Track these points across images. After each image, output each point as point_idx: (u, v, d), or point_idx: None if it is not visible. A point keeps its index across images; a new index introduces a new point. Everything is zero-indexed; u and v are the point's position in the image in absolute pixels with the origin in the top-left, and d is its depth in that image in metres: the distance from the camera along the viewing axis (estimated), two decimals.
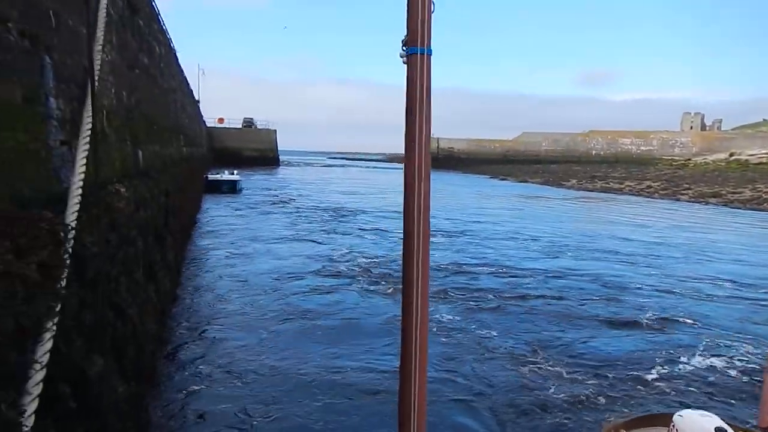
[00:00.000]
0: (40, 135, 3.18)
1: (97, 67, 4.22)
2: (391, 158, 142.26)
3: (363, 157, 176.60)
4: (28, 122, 3.00)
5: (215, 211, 20.00)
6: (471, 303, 8.87)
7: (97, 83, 4.18)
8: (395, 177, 53.18)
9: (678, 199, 32.07)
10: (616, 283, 10.47)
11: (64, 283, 2.77)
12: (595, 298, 9.41)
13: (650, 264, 12.44)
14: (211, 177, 27.46)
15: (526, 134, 74.35)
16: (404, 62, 2.70)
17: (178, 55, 18.16)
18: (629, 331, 7.78)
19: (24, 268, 2.34)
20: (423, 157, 2.49)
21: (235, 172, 29.52)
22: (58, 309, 2.64)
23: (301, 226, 16.46)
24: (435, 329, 7.41)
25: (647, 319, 8.25)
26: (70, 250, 2.91)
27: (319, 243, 13.77)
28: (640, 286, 10.34)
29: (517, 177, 50.88)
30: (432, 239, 2.59)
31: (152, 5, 10.86)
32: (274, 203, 23.40)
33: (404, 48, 2.70)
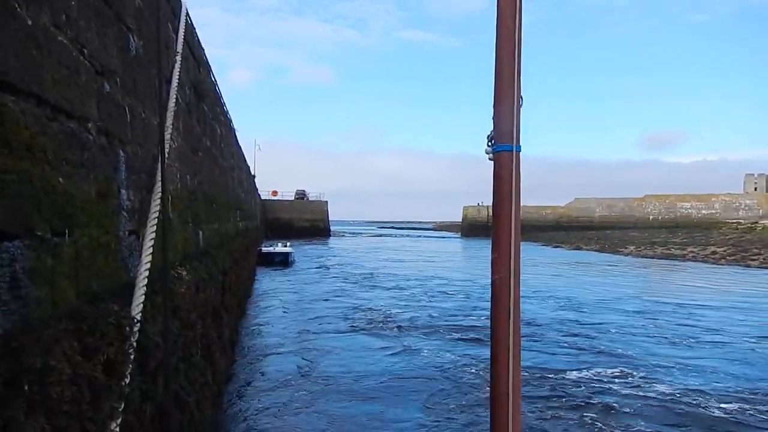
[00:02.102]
0: (111, 228, 3.23)
1: (166, 155, 4.39)
2: (440, 227, 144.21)
3: (412, 225, 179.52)
4: (101, 217, 3.06)
5: (267, 284, 20.40)
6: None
7: (165, 170, 4.32)
8: (442, 245, 53.71)
9: (748, 265, 30.50)
10: None
11: (128, 379, 2.70)
12: None
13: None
14: (264, 249, 28.06)
15: (579, 200, 72.94)
16: (490, 159, 2.65)
17: (237, 133, 19.27)
18: None
19: (92, 369, 2.26)
20: (513, 261, 2.46)
21: (288, 243, 30.09)
22: (121, 408, 2.55)
23: (359, 318, 15.55)
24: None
25: None
26: (134, 343, 2.86)
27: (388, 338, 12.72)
28: None
29: (571, 244, 49.47)
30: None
31: (216, 90, 11.59)
32: (326, 274, 24.59)
33: (491, 144, 2.67)
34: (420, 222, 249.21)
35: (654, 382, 8.61)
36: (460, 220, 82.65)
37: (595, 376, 8.85)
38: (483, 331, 12.14)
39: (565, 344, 11.16)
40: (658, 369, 9.40)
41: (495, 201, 2.65)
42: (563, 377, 8.82)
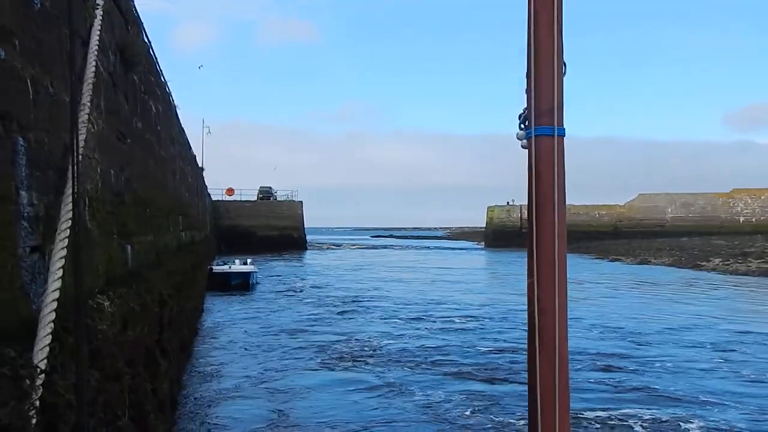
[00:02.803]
0: (7, 243, 3.22)
1: (81, 144, 4.38)
2: (456, 234, 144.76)
3: (419, 233, 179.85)
4: None
5: (222, 314, 20.55)
6: None
7: (80, 164, 4.31)
8: (457, 260, 53.99)
9: None
10: None
11: None
12: None
13: None
14: (217, 269, 28.08)
15: (644, 197, 73.07)
16: (523, 146, 2.64)
17: (179, 111, 19.32)
18: None
19: None
20: (557, 285, 2.48)
21: (249, 260, 30.10)
22: None
23: (339, 352, 15.33)
24: None
25: None
26: (37, 402, 2.84)
27: None
28: None
29: (635, 256, 49.55)
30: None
31: (150, 55, 11.61)
32: (299, 299, 25.12)
33: (524, 126, 2.66)
34: (429, 228, 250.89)
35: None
36: (484, 225, 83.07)
37: (623, 418, 9.60)
38: (502, 371, 12.65)
39: (600, 381, 11.90)
40: (712, 416, 9.85)
41: (531, 202, 2.62)
42: (586, 418, 9.49)
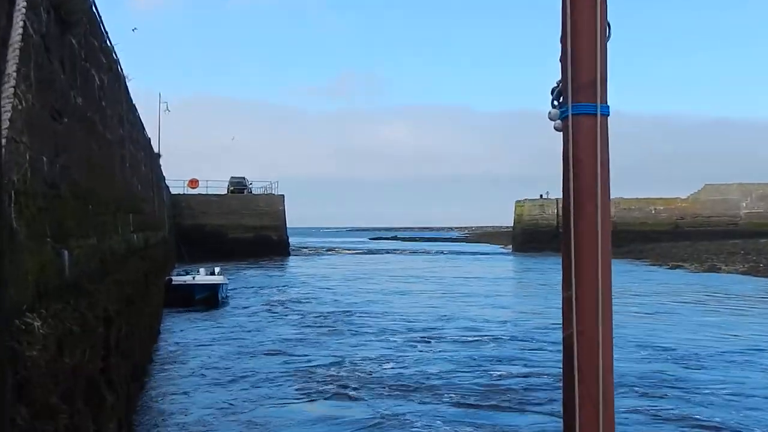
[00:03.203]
0: None
1: (4, 125, 4.38)
2: (476, 235, 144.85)
3: (431, 233, 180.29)
4: None
5: (183, 335, 20.68)
6: None
7: (2, 149, 4.31)
8: (478, 267, 54.29)
9: None
10: None
11: None
12: None
13: None
14: (177, 280, 28.08)
15: (712, 188, 72.91)
16: (557, 128, 2.62)
17: (129, 82, 19.32)
18: None
19: None
20: (601, 299, 2.48)
21: (217, 269, 30.15)
22: None
23: (324, 378, 15.98)
24: None
25: None
26: None
27: None
28: None
29: (701, 262, 49.48)
30: None
31: (94, 13, 11.62)
32: (280, 315, 25.32)
33: (557, 103, 2.64)
34: (443, 229, 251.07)
35: None
36: (511, 223, 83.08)
37: None
38: (520, 402, 12.89)
39: (636, 408, 12.26)
40: None
41: (567, 198, 2.60)
42: None
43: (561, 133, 2.68)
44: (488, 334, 20.61)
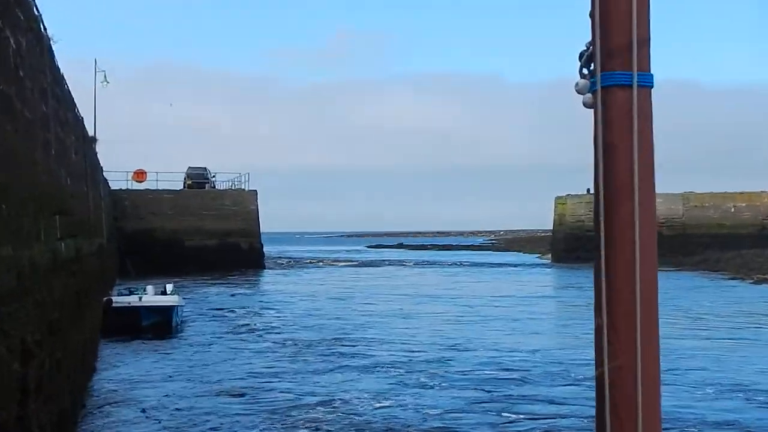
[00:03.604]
0: None
1: None
2: (505, 243, 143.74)
3: (444, 240, 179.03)
4: None
5: (126, 369, 20.76)
6: None
7: None
8: (507, 282, 54.48)
9: None
10: None
11: None
12: None
13: None
14: (118, 301, 28.09)
15: None
16: (587, 103, 2.61)
17: (54, 46, 19.31)
18: None
19: None
20: (642, 292, 2.47)
21: (170, 287, 30.18)
22: None
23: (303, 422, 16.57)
24: None
25: None
26: None
27: None
28: None
29: None
30: None
31: None
32: (250, 342, 26.01)
33: (586, 72, 2.62)
34: (463, 234, 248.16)
35: None
36: (550, 227, 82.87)
37: None
38: None
39: None
40: None
41: (598, 195, 2.61)
42: None
43: (591, 110, 2.67)
44: (511, 367, 20.76)
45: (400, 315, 34.40)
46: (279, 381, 18.98)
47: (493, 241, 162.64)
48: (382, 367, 21.03)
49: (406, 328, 29.29)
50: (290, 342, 25.91)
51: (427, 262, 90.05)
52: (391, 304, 39.26)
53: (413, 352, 23.41)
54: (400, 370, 20.33)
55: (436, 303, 40.26)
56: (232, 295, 43.84)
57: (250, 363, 21.95)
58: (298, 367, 21.06)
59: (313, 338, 26.58)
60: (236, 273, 59.14)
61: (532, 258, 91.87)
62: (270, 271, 67.21)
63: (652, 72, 2.55)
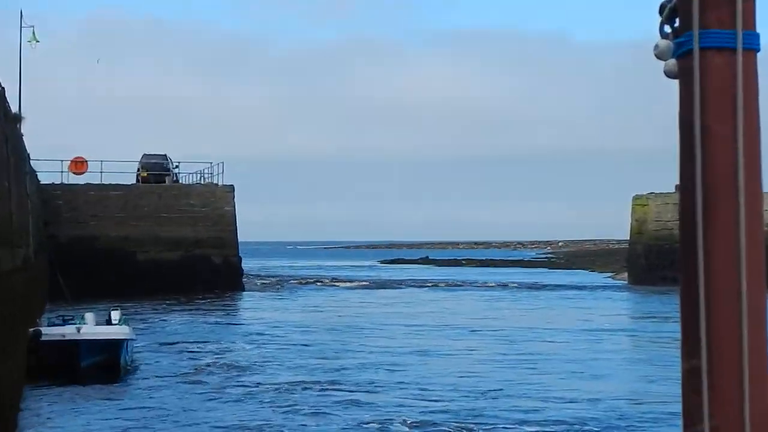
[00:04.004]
0: None
1: None
2: (564, 258, 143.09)
3: (481, 254, 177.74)
4: None
5: (59, 421, 21.03)
6: None
7: None
8: (568, 315, 54.44)
9: None
10: None
11: None
12: None
13: None
14: (48, 334, 28.13)
15: None
16: (669, 72, 2.59)
17: None
18: None
19: None
20: (751, 317, 2.44)
21: (116, 315, 30.19)
22: None
23: None
24: None
25: None
26: None
27: None
28: None
29: None
30: None
31: None
32: (223, 387, 26.24)
33: (669, 30, 2.61)
34: (512, 245, 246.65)
35: None
36: (626, 235, 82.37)
37: None
38: None
39: None
40: None
41: (687, 194, 2.59)
42: None
43: (678, 81, 2.67)
44: (562, 421, 20.67)
45: (418, 352, 34.53)
46: None
47: (550, 256, 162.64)
48: (387, 420, 21.00)
49: (426, 370, 29.33)
50: (272, 386, 25.91)
51: (461, 282, 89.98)
52: (409, 339, 39.45)
53: (430, 401, 23.43)
54: (418, 426, 20.34)
55: (469, 337, 40.56)
56: (200, 325, 43.86)
57: (221, 414, 21.99)
58: (282, 421, 21.12)
59: (303, 381, 26.62)
60: (207, 296, 59.22)
61: (601, 278, 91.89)
62: (251, 293, 67.27)
63: (757, 31, 2.55)
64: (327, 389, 25.11)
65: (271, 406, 22.97)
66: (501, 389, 25.29)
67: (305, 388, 25.31)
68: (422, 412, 21.99)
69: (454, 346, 36.58)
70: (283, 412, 22.13)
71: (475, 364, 30.90)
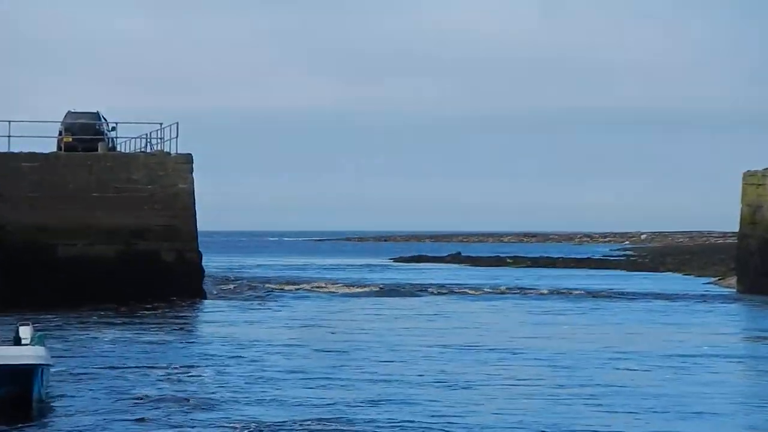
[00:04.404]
0: None
1: None
2: (655, 255, 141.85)
3: (541, 249, 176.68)
4: None
5: None
6: None
7: None
8: (653, 333, 54.74)
9: None
10: None
11: None
12: None
13: None
14: None
15: None
16: None
17: None
18: None
19: None
20: None
21: (26, 330, 30.17)
22: None
23: None
24: None
25: None
26: None
27: None
28: None
29: None
30: None
31: None
32: (180, 425, 25.83)
33: None
34: (576, 237, 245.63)
35: None
36: (734, 229, 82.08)
37: None
38: None
39: None
40: None
41: None
42: None
43: None
44: None
45: (442, 382, 34.25)
46: None
47: (629, 253, 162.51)
48: None
49: (450, 405, 29.06)
50: (240, 427, 25.28)
51: (504, 289, 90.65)
52: (430, 363, 39.47)
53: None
54: None
55: (513, 363, 40.47)
56: (143, 345, 43.88)
57: None
58: None
59: (283, 421, 26.15)
60: (153, 305, 59.56)
61: (699, 284, 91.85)
62: (215, 302, 67.87)
63: None
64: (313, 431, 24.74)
65: None
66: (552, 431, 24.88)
67: (283, 430, 24.85)
68: None
69: (491, 375, 36.50)
70: None
71: (518, 398, 30.74)
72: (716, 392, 33.42)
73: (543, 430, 25.05)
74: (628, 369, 38.00)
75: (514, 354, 43.05)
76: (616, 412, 28.29)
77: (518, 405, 29.34)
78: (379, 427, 25.36)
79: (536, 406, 29.19)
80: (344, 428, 25.12)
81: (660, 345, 46.36)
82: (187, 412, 27.88)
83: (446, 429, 25.26)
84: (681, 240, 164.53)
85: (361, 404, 29.06)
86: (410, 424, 25.84)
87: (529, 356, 42.38)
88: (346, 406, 28.57)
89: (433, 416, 27.05)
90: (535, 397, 30.94)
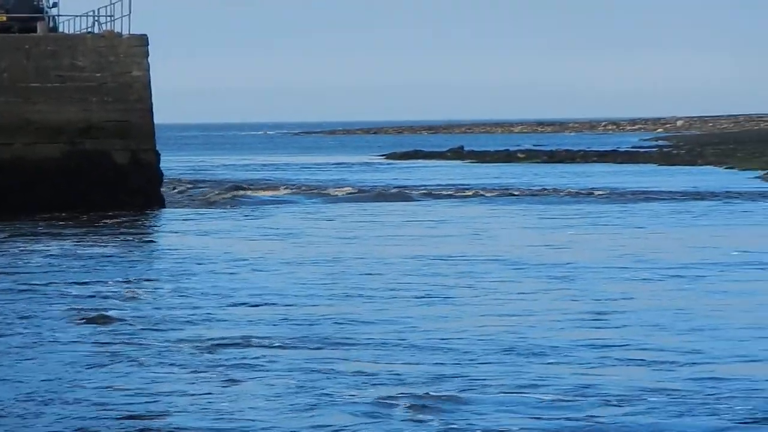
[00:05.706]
0: None
1: None
2: (692, 143, 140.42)
3: (556, 139, 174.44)
4: None
5: None
6: None
7: None
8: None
9: None
10: None
11: None
12: None
13: None
14: None
15: None
16: None
17: None
18: None
19: None
20: None
21: None
22: None
23: None
24: None
25: None
26: None
27: None
28: None
29: None
30: None
31: None
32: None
33: None
34: (599, 124, 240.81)
35: None
36: None
37: None
38: None
39: None
40: None
41: None
42: None
43: None
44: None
45: (433, 297, 35.00)
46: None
47: (662, 143, 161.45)
48: (381, 401, 19.94)
49: (440, 321, 30.01)
50: (199, 345, 25.62)
51: (514, 189, 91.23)
52: (420, 277, 40.32)
53: (439, 364, 23.37)
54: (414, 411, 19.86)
55: (513, 275, 41.30)
56: (89, 259, 44.74)
57: (107, 385, 21.27)
58: (228, 393, 20.23)
59: (248, 336, 26.71)
60: (102, 214, 60.47)
61: (744, 179, 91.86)
62: (177, 210, 68.84)
63: None
64: (286, 347, 25.25)
65: (192, 372, 22.46)
66: (546, 353, 24.88)
67: (247, 346, 25.31)
68: (426, 381, 21.45)
69: (490, 289, 37.27)
70: (209, 381, 21.23)
71: (515, 315, 31.32)
72: (735, 306, 34.01)
73: (542, 349, 25.25)
74: (636, 279, 39.16)
75: (513, 266, 44.07)
76: (616, 327, 28.92)
77: (517, 322, 29.93)
78: (352, 345, 25.88)
79: (527, 328, 29.20)
80: (314, 346, 25.74)
81: (686, 254, 47.19)
82: (136, 332, 28.43)
83: (436, 347, 25.79)
84: (725, 126, 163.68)
85: (335, 322, 29.62)
86: (401, 337, 26.88)
87: (531, 268, 43.34)
88: (320, 323, 29.22)
89: (414, 332, 27.88)
90: (535, 313, 31.60)
